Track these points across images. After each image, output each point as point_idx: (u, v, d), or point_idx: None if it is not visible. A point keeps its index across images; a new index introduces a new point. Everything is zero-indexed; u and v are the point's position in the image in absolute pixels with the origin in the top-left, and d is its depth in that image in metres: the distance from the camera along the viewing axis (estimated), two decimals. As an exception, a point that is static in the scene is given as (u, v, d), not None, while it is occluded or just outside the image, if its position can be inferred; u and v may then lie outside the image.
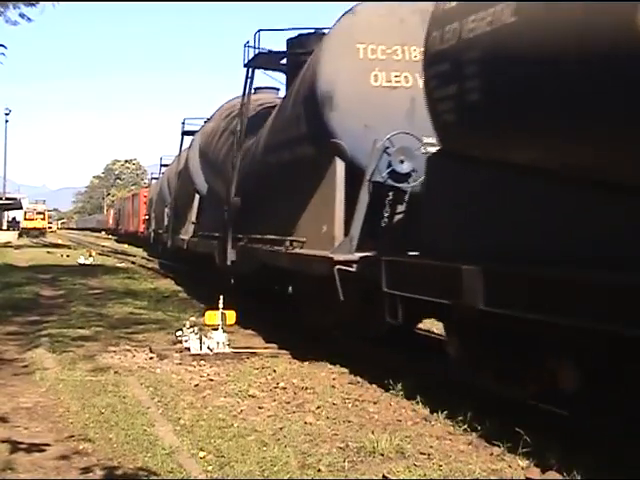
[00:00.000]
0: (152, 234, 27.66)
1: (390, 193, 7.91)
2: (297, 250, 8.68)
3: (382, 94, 8.15)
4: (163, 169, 29.20)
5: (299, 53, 10.33)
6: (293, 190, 9.31)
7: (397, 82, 8.21)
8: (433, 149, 7.04)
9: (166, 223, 22.46)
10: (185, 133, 20.92)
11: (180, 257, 20.16)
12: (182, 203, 18.93)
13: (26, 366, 7.75)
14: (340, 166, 8.00)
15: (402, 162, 7.70)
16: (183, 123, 20.91)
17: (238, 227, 11.26)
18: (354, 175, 7.81)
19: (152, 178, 37.20)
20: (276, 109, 10.73)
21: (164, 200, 24.23)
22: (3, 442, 5.01)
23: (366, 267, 7.16)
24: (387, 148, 7.67)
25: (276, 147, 10.10)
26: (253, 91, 12.24)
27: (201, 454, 4.96)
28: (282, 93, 12.73)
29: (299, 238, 8.74)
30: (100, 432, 5.38)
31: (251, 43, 11.06)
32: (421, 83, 6.84)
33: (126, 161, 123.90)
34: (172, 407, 6.22)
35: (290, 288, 11.53)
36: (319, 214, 8.36)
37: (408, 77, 8.16)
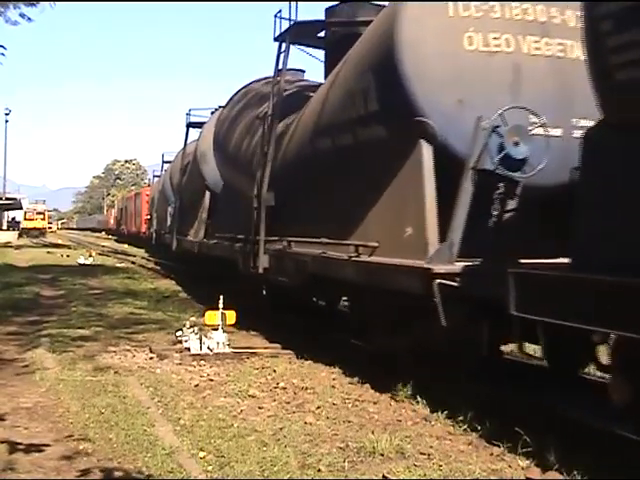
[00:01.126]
0: (154, 235, 26.63)
1: (500, 185, 6.44)
2: (367, 258, 6.98)
3: (479, 61, 6.55)
4: (166, 166, 27.78)
5: (345, 23, 9.27)
6: (356, 182, 7.61)
7: (496, 46, 6.58)
8: (543, 131, 6.14)
9: (169, 223, 21.25)
10: (191, 125, 19.49)
11: (188, 261, 18.24)
12: (189, 201, 17.55)
13: (26, 366, 7.75)
14: (427, 151, 6.36)
15: (517, 144, 6.17)
16: (188, 114, 19.36)
17: (272, 228, 9.62)
18: (444, 163, 6.30)
19: (154, 176, 35.80)
20: (324, 87, 8.97)
21: (167, 199, 23.01)
22: (3, 442, 5.01)
23: (476, 281, 5.61)
24: (497, 127, 6.15)
25: (329, 130, 8.25)
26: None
27: (201, 454, 4.96)
28: (314, 73, 11.56)
29: (368, 242, 7.01)
30: (100, 432, 5.38)
31: (284, 14, 9.75)
32: (526, 47, 6.18)
33: (126, 161, 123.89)
34: (172, 407, 6.22)
35: (344, 303, 10.00)
36: (398, 213, 6.71)
37: (510, 40, 6.59)
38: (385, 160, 6.91)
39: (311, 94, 9.79)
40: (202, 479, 4.51)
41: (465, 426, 5.58)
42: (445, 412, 5.92)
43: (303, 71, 12.80)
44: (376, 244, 6.91)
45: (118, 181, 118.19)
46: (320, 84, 9.93)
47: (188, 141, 19.69)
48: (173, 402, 6.38)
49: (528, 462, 4.82)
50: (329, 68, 9.39)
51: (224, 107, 14.11)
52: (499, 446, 5.09)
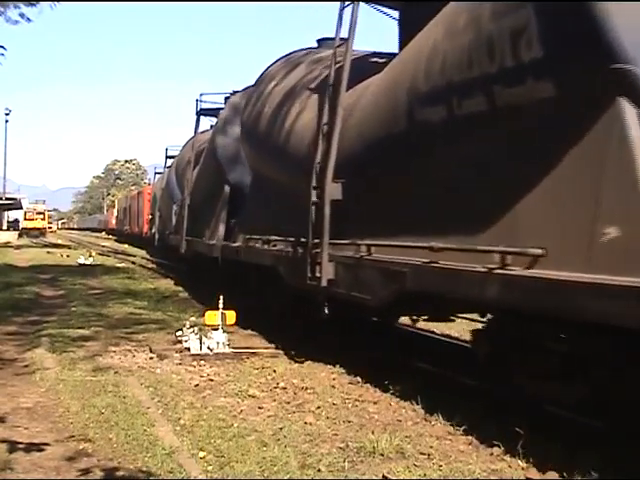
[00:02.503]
0: (156, 235, 25.04)
1: None
2: (528, 272, 4.79)
3: None
4: (169, 162, 25.79)
5: None
6: (494, 162, 5.42)
7: None
8: None
9: (174, 223, 19.66)
10: (202, 113, 17.47)
11: (202, 267, 15.70)
12: (203, 198, 15.23)
13: (26, 366, 7.75)
14: (631, 114, 4.33)
15: None
16: (199, 100, 17.20)
17: (339, 229, 7.53)
18: None
19: (155, 173, 33.31)
20: (419, 42, 6.64)
21: (171, 197, 21.11)
22: (3, 442, 5.02)
23: None
24: None
25: (441, 96, 5.90)
26: (316, 45, 10.19)
27: (201, 454, 4.96)
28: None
29: (528, 249, 4.80)
30: (100, 432, 5.38)
31: None
32: None
33: (126, 161, 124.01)
34: (172, 407, 6.22)
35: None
36: (581, 205, 4.54)
37: None
38: (554, 130, 4.91)
39: (380, 60, 8.19)
40: (202, 479, 4.51)
41: (465, 426, 5.58)
42: (445, 412, 5.92)
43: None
44: (539, 251, 4.77)
45: (118, 181, 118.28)
46: (392, 53, 8.05)
47: (199, 130, 17.69)
48: (173, 402, 6.38)
49: (528, 462, 4.81)
50: (408, 26, 7.67)
51: (255, 86, 11.34)
52: (499, 446, 5.09)
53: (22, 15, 15.75)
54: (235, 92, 14.34)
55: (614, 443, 4.98)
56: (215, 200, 13.78)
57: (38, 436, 5.32)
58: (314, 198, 7.89)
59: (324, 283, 7.51)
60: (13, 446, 4.95)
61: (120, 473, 4.52)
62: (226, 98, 15.11)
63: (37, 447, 5.00)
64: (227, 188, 13.27)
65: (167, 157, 27.08)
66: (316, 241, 7.75)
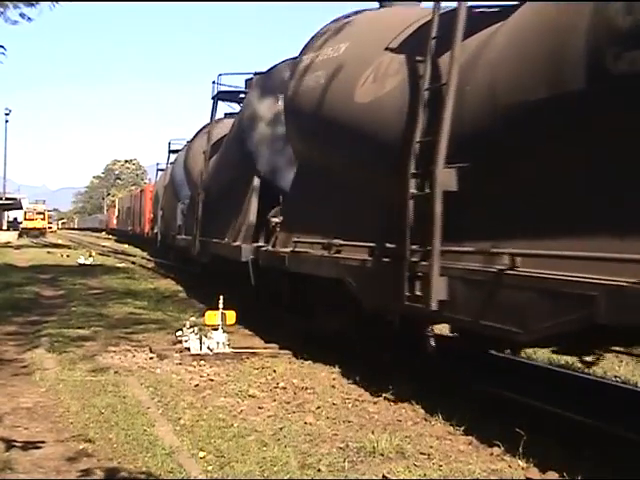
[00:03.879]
0: (159, 236, 23.84)
1: None
2: None
3: None
4: (173, 157, 23.92)
5: None
6: None
7: None
8: None
9: (179, 222, 18.61)
10: (220, 97, 15.10)
11: (224, 272, 13.12)
12: (223, 194, 13.26)
13: (26, 366, 7.75)
14: None
15: None
16: (216, 83, 14.82)
17: (453, 231, 5.53)
18: None
19: (158, 169, 30.97)
20: None
21: (177, 194, 19.65)
22: (3, 442, 5.02)
23: None
24: None
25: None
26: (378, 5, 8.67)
27: (201, 454, 4.96)
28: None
29: None
30: (100, 432, 5.38)
31: None
32: None
33: (126, 161, 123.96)
34: (172, 407, 6.22)
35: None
36: None
37: None
38: None
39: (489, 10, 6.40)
40: (202, 479, 4.51)
41: (465, 426, 5.58)
42: (445, 412, 5.92)
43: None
44: None
45: (118, 181, 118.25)
46: None
47: (215, 116, 15.57)
48: (173, 402, 6.38)
49: (528, 462, 4.81)
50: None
51: (303, 54, 9.03)
52: (499, 446, 5.09)
53: (22, 15, 15.75)
54: (257, 73, 12.75)
55: (614, 443, 4.98)
56: (240, 195, 11.79)
57: (38, 436, 5.32)
58: (413, 189, 5.88)
59: (433, 306, 5.48)
60: (13, 446, 4.95)
61: (120, 473, 4.52)
62: (247, 80, 13.45)
63: (37, 447, 5.00)
64: (257, 181, 11.26)
65: (170, 152, 24.96)
66: (414, 247, 5.79)
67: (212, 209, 14.09)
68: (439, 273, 5.49)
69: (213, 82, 14.93)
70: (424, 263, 5.67)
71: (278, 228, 9.68)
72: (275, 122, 11.05)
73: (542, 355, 8.28)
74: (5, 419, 5.72)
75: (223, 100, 15.51)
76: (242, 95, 14.12)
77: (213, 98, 15.15)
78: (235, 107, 15.74)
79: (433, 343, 5.93)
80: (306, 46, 9.13)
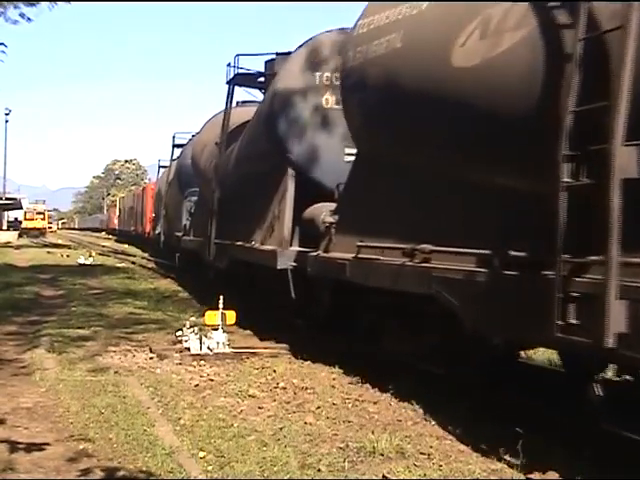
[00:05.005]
0: (161, 236, 22.42)
1: None
2: None
3: None
4: (177, 152, 22.24)
5: None
6: None
7: None
8: None
9: (184, 222, 17.46)
10: (237, 81, 12.83)
11: (250, 280, 11.66)
12: (246, 189, 11.57)
13: (26, 366, 7.75)
14: None
15: None
16: (232, 66, 12.61)
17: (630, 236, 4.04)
18: None
19: (159, 167, 29.07)
20: None
21: (182, 190, 18.49)
22: (3, 442, 5.02)
23: None
24: None
25: None
26: None
27: (201, 454, 4.96)
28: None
29: None
30: (100, 432, 5.38)
31: None
32: None
33: (126, 161, 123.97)
34: (172, 407, 6.22)
35: None
36: None
37: None
38: None
39: None
40: (202, 479, 4.51)
41: (465, 426, 5.58)
42: (445, 412, 5.92)
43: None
44: None
45: (118, 181, 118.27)
46: None
47: (231, 102, 13.28)
48: (173, 402, 6.38)
49: (528, 462, 4.81)
50: None
51: (362, 17, 7.62)
52: (499, 446, 5.09)
53: (22, 15, 15.76)
54: (279, 54, 11.40)
55: (614, 443, 4.98)
56: (269, 190, 10.12)
57: (38, 436, 5.32)
58: (566, 178, 4.37)
59: (609, 342, 3.97)
60: (13, 446, 4.95)
61: (120, 473, 4.52)
62: (268, 62, 11.77)
63: (37, 447, 5.00)
64: (291, 172, 9.57)
65: (175, 146, 22.92)
66: (566, 257, 4.29)
67: (231, 207, 12.26)
68: (617, 295, 3.95)
69: (228, 64, 12.78)
70: (586, 280, 4.20)
71: (333, 229, 7.87)
72: (311, 103, 9.58)
73: (542, 355, 8.28)
74: (5, 419, 5.72)
75: (240, 85, 13.15)
76: (261, 79, 12.42)
77: (228, 82, 12.89)
78: (256, 94, 13.39)
79: (601, 391, 4.77)
80: (366, 10, 7.62)
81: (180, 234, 17.77)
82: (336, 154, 9.27)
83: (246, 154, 11.83)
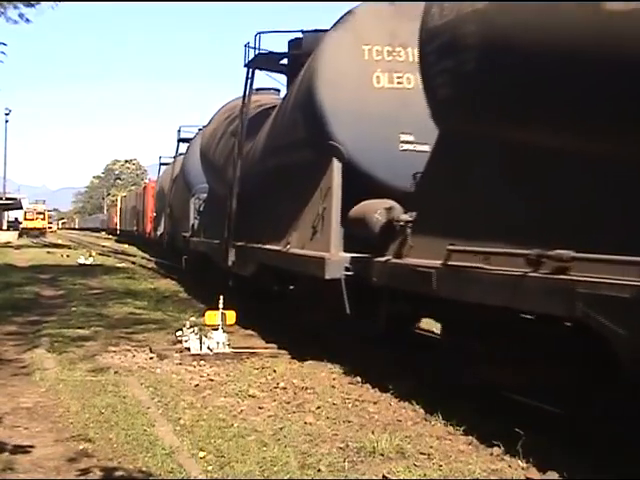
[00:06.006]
0: (165, 237, 21.38)
1: None
2: None
3: None
4: (182, 148, 21.00)
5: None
6: None
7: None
8: None
9: (192, 221, 16.13)
10: (257, 64, 11.25)
11: (281, 291, 10.74)
12: (277, 184, 10.07)
13: (26, 366, 7.75)
14: None
15: None
16: (250, 47, 11.03)
17: None
18: None
19: (161, 164, 27.73)
20: None
21: (189, 187, 17.31)
22: (3, 442, 5.01)
23: None
24: None
25: None
26: None
27: (201, 454, 4.96)
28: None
29: None
30: (100, 432, 5.38)
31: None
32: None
33: (126, 161, 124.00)
34: (172, 407, 6.22)
35: None
36: None
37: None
38: None
39: None
40: (202, 479, 4.51)
41: (465, 426, 5.58)
42: (445, 412, 5.92)
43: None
44: None
45: (118, 181, 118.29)
46: None
47: (248, 89, 11.52)
48: (173, 402, 6.38)
49: (528, 462, 4.81)
50: None
51: None
52: (499, 446, 5.08)
53: (21, 15, 15.79)
54: (305, 32, 10.42)
55: (614, 443, 4.98)
56: (306, 185, 8.66)
57: (38, 436, 5.32)
58: None
59: None
60: (13, 446, 4.95)
61: (120, 473, 4.52)
62: (292, 41, 10.75)
63: (37, 447, 5.00)
64: (337, 163, 8.10)
65: (180, 141, 21.64)
66: None
67: (254, 205, 10.80)
68: None
69: (246, 45, 11.20)
70: None
71: (409, 230, 6.56)
72: (360, 83, 8.21)
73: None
74: (5, 419, 5.72)
75: (261, 68, 11.53)
76: (283, 61, 11.26)
77: (247, 65, 11.28)
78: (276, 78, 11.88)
79: None
80: None
81: (187, 235, 16.49)
82: (389, 142, 8.01)
83: (275, 144, 10.13)
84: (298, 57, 9.92)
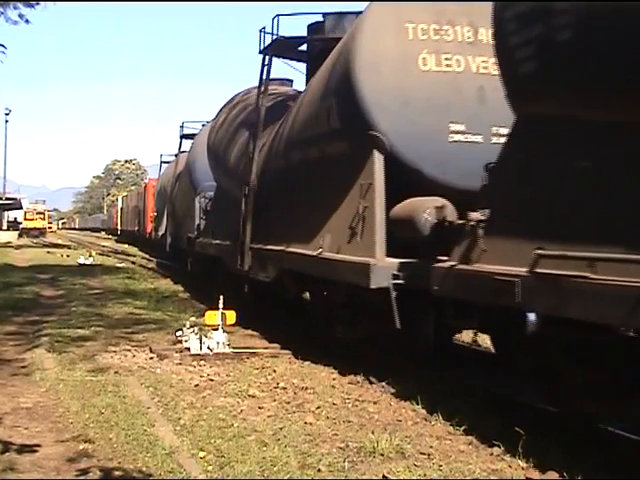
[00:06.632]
0: (167, 238, 20.44)
1: None
2: None
3: None
4: (186, 145, 19.98)
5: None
6: None
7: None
8: None
9: (197, 221, 15.21)
10: (275, 51, 10.49)
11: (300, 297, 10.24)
12: (301, 180, 9.23)
13: (26, 366, 7.75)
14: None
15: None
16: (266, 32, 10.39)
17: None
18: None
19: (162, 162, 26.78)
20: None
21: (194, 185, 16.48)
22: (3, 442, 5.01)
23: None
24: None
25: None
26: None
27: (201, 454, 4.96)
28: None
29: None
30: (100, 432, 5.38)
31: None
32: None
33: (126, 161, 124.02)
34: (172, 407, 6.21)
35: None
36: None
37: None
38: None
39: None
40: (202, 479, 4.51)
41: (465, 426, 5.58)
42: (445, 412, 5.92)
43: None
44: None
45: (118, 181, 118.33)
46: None
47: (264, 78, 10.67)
48: (173, 402, 6.38)
49: (528, 462, 4.81)
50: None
51: None
52: (499, 446, 5.09)
53: (21, 16, 15.80)
54: (327, 14, 9.75)
55: (614, 443, 4.98)
56: (341, 181, 7.79)
57: (38, 436, 5.31)
58: None
59: None
60: (13, 446, 4.94)
61: (120, 473, 4.52)
62: (311, 25, 10.13)
63: (37, 447, 5.00)
64: (379, 157, 7.21)
65: (183, 137, 20.93)
66: None
67: (276, 204, 9.97)
68: None
69: (261, 30, 10.46)
70: None
71: (480, 231, 5.55)
72: (404, 65, 7.40)
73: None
74: (5, 419, 5.72)
75: (278, 56, 10.63)
76: (302, 48, 10.56)
77: (263, 52, 10.52)
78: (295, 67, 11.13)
79: None
80: None
81: (193, 236, 15.51)
82: (437, 132, 7.23)
83: (300, 137, 9.16)
84: (319, 42, 9.44)
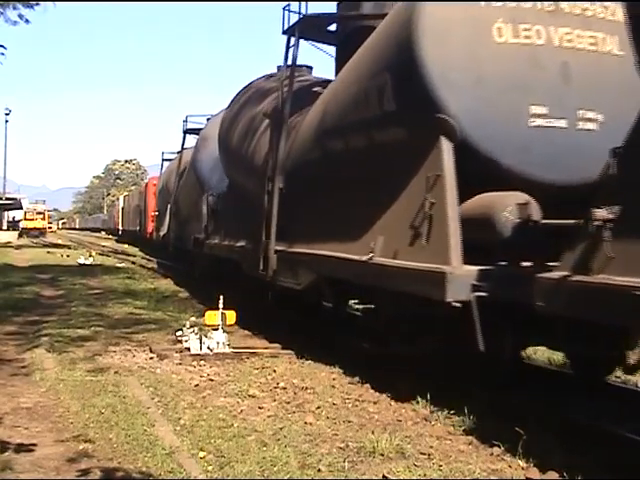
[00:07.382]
0: (171, 239, 19.55)
1: None
2: None
3: None
4: (190, 142, 19.19)
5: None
6: None
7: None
8: None
9: (205, 222, 14.03)
10: (301, 32, 9.39)
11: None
12: (345, 173, 7.89)
13: (26, 366, 7.75)
14: None
15: None
16: (289, 10, 9.48)
17: None
18: None
19: (163, 160, 25.78)
20: None
21: (201, 183, 15.56)
22: (3, 442, 5.01)
23: None
24: None
25: None
26: None
27: (201, 454, 4.95)
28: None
29: None
30: (100, 432, 5.38)
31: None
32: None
33: (126, 161, 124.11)
34: (172, 407, 6.21)
35: None
36: None
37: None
38: None
39: None
40: (202, 479, 4.51)
41: (465, 426, 5.58)
42: (445, 412, 5.92)
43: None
44: None
45: (118, 181, 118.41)
46: None
47: (291, 64, 9.66)
48: (173, 402, 6.38)
49: (528, 462, 4.81)
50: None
51: None
52: (499, 446, 5.08)
53: (20, 16, 15.81)
54: None
55: (615, 443, 4.98)
56: (398, 173, 6.65)
57: (38, 436, 5.31)
58: None
59: None
60: (13, 446, 4.94)
61: (120, 473, 4.52)
62: (340, 3, 9.37)
63: (37, 447, 4.99)
64: (448, 145, 6.11)
65: (187, 132, 19.95)
66: None
67: (307, 201, 8.89)
68: None
69: (284, 8, 9.40)
70: None
71: (607, 232, 4.37)
72: (476, 36, 6.34)
73: (542, 355, 8.28)
74: (5, 419, 5.72)
75: (306, 38, 9.53)
76: (331, 29, 9.64)
77: (287, 32, 9.47)
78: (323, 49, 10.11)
79: None
80: None
81: (201, 237, 14.31)
82: (516, 115, 6.22)
83: (340, 124, 7.97)
84: (353, 22, 8.57)
